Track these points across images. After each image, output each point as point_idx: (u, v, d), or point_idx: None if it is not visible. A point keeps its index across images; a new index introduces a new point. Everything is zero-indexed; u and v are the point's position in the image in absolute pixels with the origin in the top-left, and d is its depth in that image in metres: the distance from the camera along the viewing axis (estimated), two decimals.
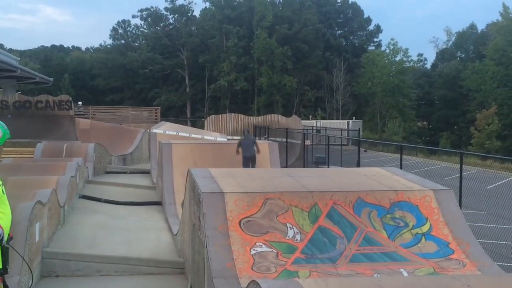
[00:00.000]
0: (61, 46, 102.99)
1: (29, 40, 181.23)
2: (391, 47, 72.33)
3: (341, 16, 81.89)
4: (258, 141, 16.96)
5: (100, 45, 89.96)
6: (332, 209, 7.12)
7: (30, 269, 5.91)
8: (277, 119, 42.64)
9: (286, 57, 69.48)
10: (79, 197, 13.47)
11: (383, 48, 76.66)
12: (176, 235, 9.78)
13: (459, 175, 12.31)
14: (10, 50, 70.73)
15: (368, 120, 70.75)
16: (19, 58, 42.80)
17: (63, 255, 8.09)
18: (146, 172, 20.89)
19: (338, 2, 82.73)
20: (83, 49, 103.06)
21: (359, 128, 48.21)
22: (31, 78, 37.77)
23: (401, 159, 15.23)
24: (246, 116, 45.40)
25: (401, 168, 13.46)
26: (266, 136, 32.46)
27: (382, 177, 8.38)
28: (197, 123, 54.45)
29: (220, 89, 71.85)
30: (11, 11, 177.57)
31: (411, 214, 7.24)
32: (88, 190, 14.86)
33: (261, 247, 6.36)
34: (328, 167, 20.46)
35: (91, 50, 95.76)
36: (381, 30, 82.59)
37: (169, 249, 9.48)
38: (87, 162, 17.47)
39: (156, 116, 44.32)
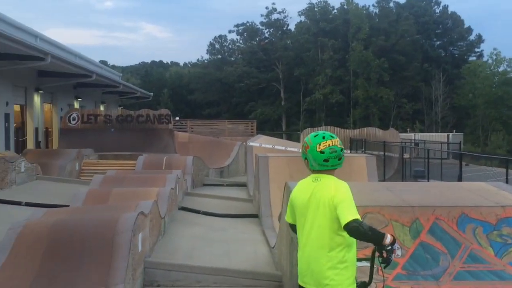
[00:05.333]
0: (161, 61, 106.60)
1: (131, 57, 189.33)
2: (494, 57, 69.88)
3: (440, 26, 79.91)
4: (355, 154, 16.68)
5: (198, 60, 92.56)
6: (435, 224, 6.88)
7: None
8: (373, 132, 42.04)
9: (382, 69, 68.60)
10: (179, 209, 13.73)
11: (485, 59, 74.25)
12: (273, 248, 9.76)
13: None
14: (113, 67, 74.08)
15: (469, 133, 68.37)
16: (121, 74, 44.62)
17: (164, 265, 8.23)
18: (243, 185, 21.01)
19: (437, 13, 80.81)
20: (181, 64, 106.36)
21: (460, 141, 46.66)
22: (133, 93, 39.32)
23: (507, 174, 14.51)
24: (342, 129, 44.93)
25: (507, 183, 12.86)
26: (363, 149, 32.00)
27: (487, 192, 8.01)
28: (292, 136, 54.56)
29: (315, 102, 71.87)
30: (115, 30, 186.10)
31: None
32: (187, 202, 15.11)
33: (361, 262, 6.20)
34: (428, 181, 19.88)
35: (189, 65, 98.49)
36: (483, 40, 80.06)
37: (266, 262, 9.46)
38: (185, 175, 17.74)
39: (252, 129, 44.78)
